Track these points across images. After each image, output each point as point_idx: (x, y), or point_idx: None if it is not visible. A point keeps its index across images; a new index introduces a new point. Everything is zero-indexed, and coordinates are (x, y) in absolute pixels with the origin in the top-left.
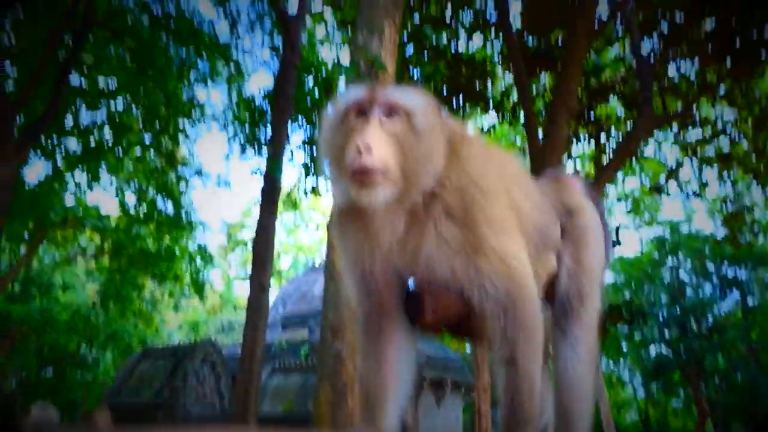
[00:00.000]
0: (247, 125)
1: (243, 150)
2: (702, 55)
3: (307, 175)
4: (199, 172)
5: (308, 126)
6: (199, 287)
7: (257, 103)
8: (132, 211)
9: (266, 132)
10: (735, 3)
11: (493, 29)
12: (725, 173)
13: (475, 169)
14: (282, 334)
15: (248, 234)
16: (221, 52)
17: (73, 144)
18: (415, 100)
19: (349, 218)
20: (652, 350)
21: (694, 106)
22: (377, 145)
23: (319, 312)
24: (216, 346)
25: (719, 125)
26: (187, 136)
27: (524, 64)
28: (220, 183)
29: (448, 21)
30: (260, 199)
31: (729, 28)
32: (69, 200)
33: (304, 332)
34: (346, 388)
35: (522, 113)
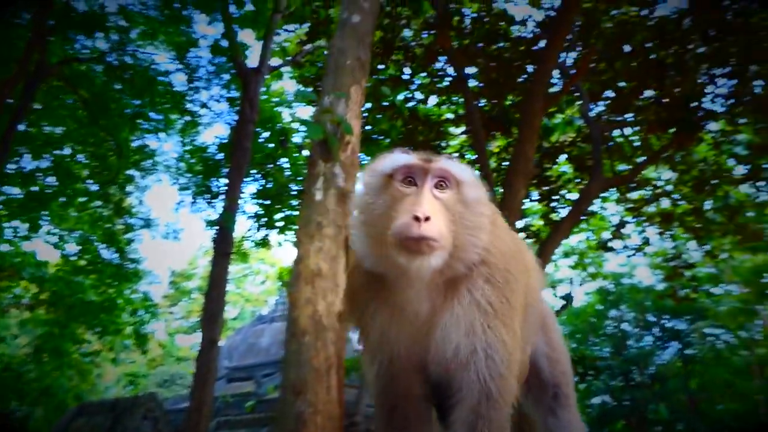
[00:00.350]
0: (200, 176)
1: (194, 200)
2: (648, 123)
3: (258, 227)
4: (147, 222)
5: (261, 178)
6: (141, 339)
7: (211, 154)
8: (74, 260)
9: (218, 184)
10: (677, 75)
11: (448, 90)
12: (666, 231)
13: (511, 246)
14: (227, 387)
15: (194, 284)
16: (176, 103)
17: (14, 191)
18: (466, 172)
19: (374, 288)
20: (596, 400)
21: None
22: (435, 215)
23: (266, 364)
24: (158, 401)
25: (660, 186)
26: (136, 186)
27: (481, 125)
28: (169, 234)
29: (406, 80)
30: (211, 250)
31: (672, 99)
32: (4, 247)
33: (250, 385)
34: None
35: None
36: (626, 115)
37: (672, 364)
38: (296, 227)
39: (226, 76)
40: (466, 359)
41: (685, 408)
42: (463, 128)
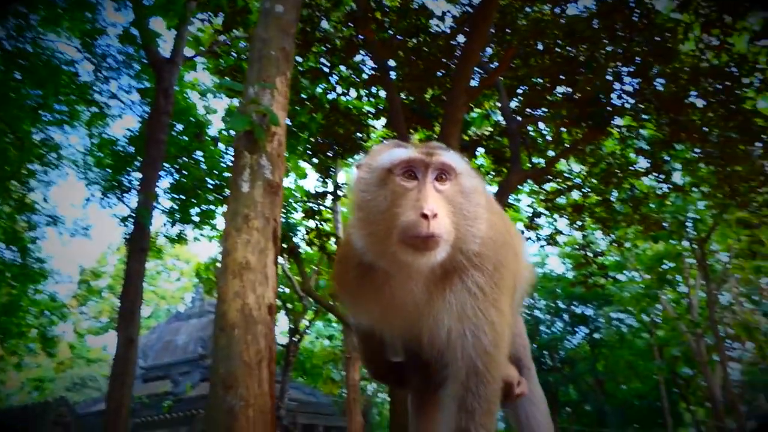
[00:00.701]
0: (109, 171)
1: (104, 196)
2: (561, 118)
3: (173, 223)
4: (53, 219)
5: (176, 172)
6: (48, 342)
7: (121, 148)
8: None
9: (129, 178)
10: (588, 73)
11: (369, 83)
12: (576, 222)
13: (503, 233)
14: (143, 387)
15: (105, 282)
16: (82, 93)
17: None
18: (463, 162)
19: (367, 277)
20: None
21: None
22: (440, 209)
23: (183, 363)
24: (69, 405)
25: (571, 178)
26: (39, 181)
27: (403, 118)
28: (77, 231)
29: (325, 72)
30: (123, 247)
31: (584, 95)
32: None
33: (167, 385)
34: None
35: None
36: (540, 110)
37: (581, 348)
38: (213, 222)
39: (137, 66)
40: (455, 341)
41: (592, 389)
42: (384, 121)
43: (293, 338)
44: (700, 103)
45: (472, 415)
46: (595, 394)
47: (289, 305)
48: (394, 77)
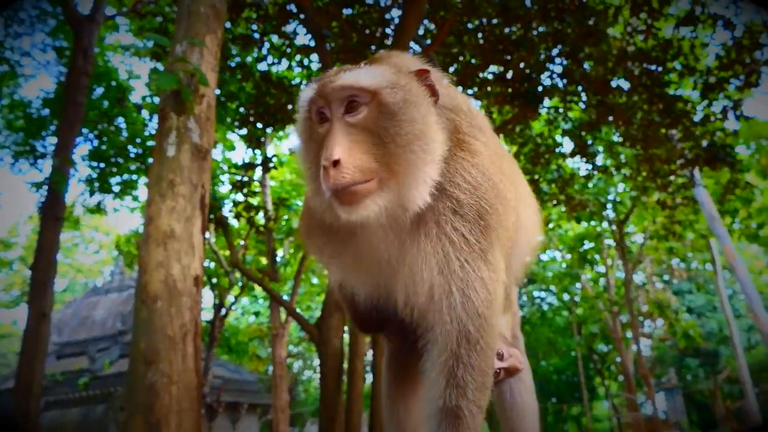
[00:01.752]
0: (21, 134)
1: (15, 161)
2: (493, 96)
3: (91, 192)
4: None
5: (95, 139)
6: None
7: (35, 110)
8: None
9: (44, 143)
10: (521, 52)
11: (302, 52)
12: None
13: (493, 167)
14: (56, 364)
15: (16, 254)
16: None
17: None
18: (378, 75)
19: (330, 230)
20: None
21: None
22: (347, 153)
23: (100, 339)
24: None
25: None
26: None
27: None
28: None
29: (256, 40)
30: (36, 216)
31: (516, 74)
32: None
33: (83, 361)
34: (161, 422)
35: None
36: (472, 89)
37: None
38: (135, 193)
39: (53, 22)
40: (441, 299)
41: None
42: None
43: (218, 314)
44: (626, 86)
45: (463, 390)
46: None
47: (214, 280)
48: (327, 48)
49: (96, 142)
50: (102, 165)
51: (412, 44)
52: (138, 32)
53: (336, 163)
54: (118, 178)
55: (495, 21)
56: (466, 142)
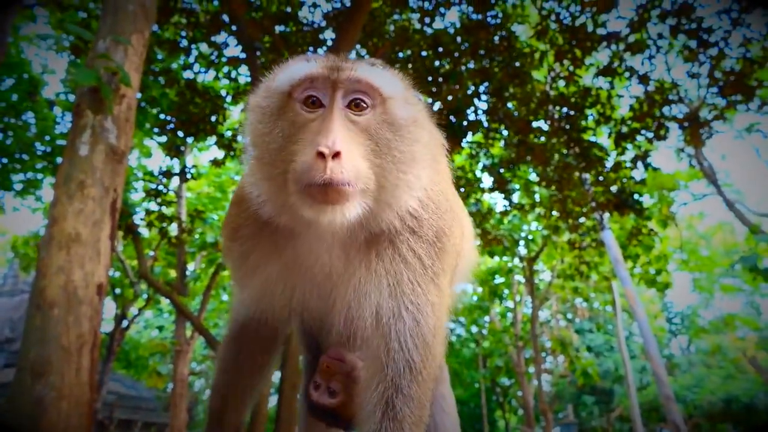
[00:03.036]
0: None
1: None
2: None
3: None
4: None
5: (0, 132)
6: None
7: None
8: None
9: None
10: (451, 85)
11: (230, 64)
12: None
13: (450, 199)
14: None
15: None
16: None
17: None
18: (394, 82)
19: (264, 232)
20: None
21: None
22: (347, 148)
23: None
24: None
25: None
26: None
27: None
28: None
29: (183, 47)
30: None
31: (444, 106)
32: None
33: None
34: None
35: None
36: None
37: None
38: (38, 193)
39: None
40: (388, 324)
41: None
42: (242, 106)
43: (119, 326)
44: (546, 128)
45: (400, 423)
46: None
47: (118, 290)
48: (259, 63)
49: (0, 136)
50: (5, 160)
51: None
52: (58, 25)
53: (337, 155)
54: (21, 176)
55: (425, 53)
56: (435, 163)
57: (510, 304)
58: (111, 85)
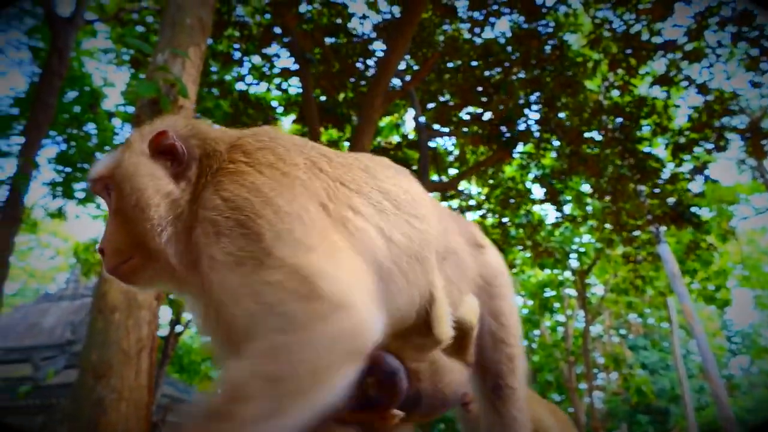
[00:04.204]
0: None
1: None
2: (470, 136)
3: (54, 196)
4: None
5: (63, 142)
6: None
7: (2, 109)
8: None
9: (8, 142)
10: (501, 95)
11: (282, 76)
12: None
13: (264, 180)
14: None
15: None
16: None
17: None
18: (109, 159)
19: None
20: None
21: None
22: (107, 240)
23: (47, 347)
24: None
25: (475, 197)
26: None
27: (318, 115)
28: None
29: (236, 59)
30: None
31: (495, 116)
32: None
33: (26, 369)
34: None
35: None
36: (448, 127)
37: None
38: (99, 200)
39: (31, 21)
40: (247, 328)
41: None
42: (293, 117)
43: (173, 331)
44: (598, 138)
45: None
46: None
47: (171, 295)
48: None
49: (64, 146)
50: (68, 169)
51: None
52: (118, 40)
53: (102, 252)
54: (83, 184)
55: (475, 63)
56: (227, 168)
57: (561, 318)
58: (170, 96)
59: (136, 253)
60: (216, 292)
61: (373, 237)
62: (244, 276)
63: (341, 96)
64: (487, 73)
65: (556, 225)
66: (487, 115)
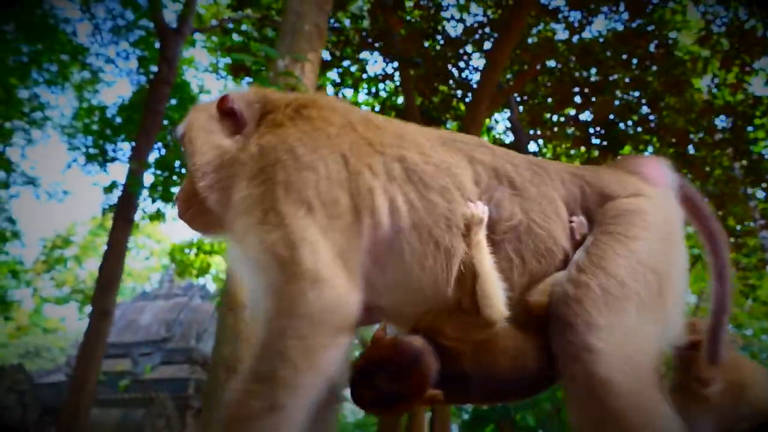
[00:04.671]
0: (92, 138)
1: (88, 162)
2: (573, 138)
3: (153, 199)
4: (31, 180)
5: (162, 147)
6: (5, 306)
7: (111, 116)
8: None
9: (115, 147)
10: (603, 95)
11: (378, 80)
12: None
13: (284, 131)
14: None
15: (72, 252)
16: (76, 54)
17: None
18: (185, 121)
19: None
20: (469, 405)
21: None
22: (181, 189)
23: (144, 343)
24: (26, 373)
25: None
26: (30, 140)
27: (419, 118)
28: (53, 195)
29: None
30: (99, 218)
31: (598, 117)
32: None
33: (126, 364)
34: None
35: None
36: (541, 130)
37: None
38: None
39: (139, 33)
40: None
41: (549, 416)
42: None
43: None
44: (706, 139)
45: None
46: (553, 422)
47: None
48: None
49: (164, 151)
50: (166, 174)
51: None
52: (221, 47)
53: (177, 200)
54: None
55: (572, 64)
56: (273, 121)
57: None
58: None
59: (195, 201)
60: (229, 230)
61: (380, 200)
62: (249, 226)
63: (436, 99)
64: (584, 73)
65: None
66: (586, 116)
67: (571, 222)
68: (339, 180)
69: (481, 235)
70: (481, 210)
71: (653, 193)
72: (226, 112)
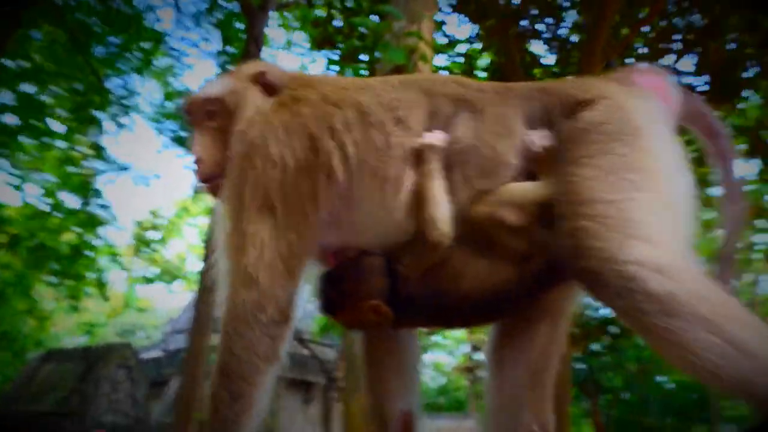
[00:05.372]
0: (179, 121)
1: (178, 144)
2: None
3: None
4: (123, 167)
5: None
6: (104, 288)
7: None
8: (37, 204)
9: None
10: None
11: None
12: None
13: (268, 127)
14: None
15: (161, 235)
16: (159, 41)
17: None
18: (221, 85)
19: None
20: None
21: None
22: (208, 152)
23: None
24: (133, 350)
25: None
26: (121, 126)
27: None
28: (143, 180)
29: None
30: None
31: (715, 62)
32: None
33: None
34: None
35: None
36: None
37: (627, 332)
38: None
39: (219, 15)
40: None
41: (636, 377)
42: None
43: None
44: None
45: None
46: (639, 383)
47: None
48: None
49: None
50: None
51: None
52: (304, 20)
53: (199, 161)
54: None
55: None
56: (287, 95)
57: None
58: (411, 62)
59: (223, 171)
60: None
61: (335, 158)
62: (222, 224)
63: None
64: (690, 18)
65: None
66: (694, 65)
67: (526, 137)
68: (304, 166)
69: (434, 164)
70: (435, 139)
71: (615, 92)
72: (263, 83)
